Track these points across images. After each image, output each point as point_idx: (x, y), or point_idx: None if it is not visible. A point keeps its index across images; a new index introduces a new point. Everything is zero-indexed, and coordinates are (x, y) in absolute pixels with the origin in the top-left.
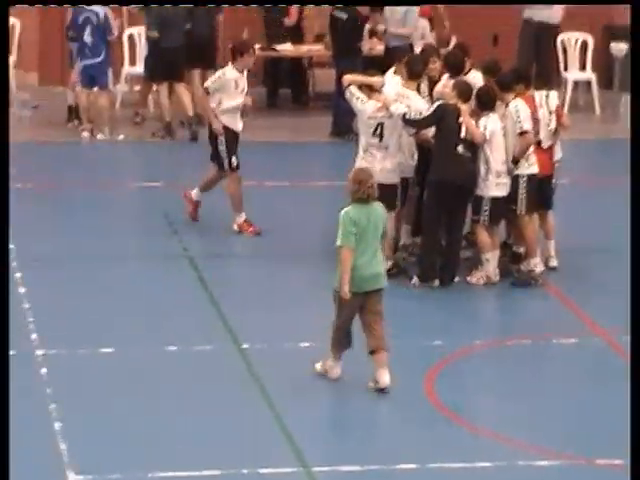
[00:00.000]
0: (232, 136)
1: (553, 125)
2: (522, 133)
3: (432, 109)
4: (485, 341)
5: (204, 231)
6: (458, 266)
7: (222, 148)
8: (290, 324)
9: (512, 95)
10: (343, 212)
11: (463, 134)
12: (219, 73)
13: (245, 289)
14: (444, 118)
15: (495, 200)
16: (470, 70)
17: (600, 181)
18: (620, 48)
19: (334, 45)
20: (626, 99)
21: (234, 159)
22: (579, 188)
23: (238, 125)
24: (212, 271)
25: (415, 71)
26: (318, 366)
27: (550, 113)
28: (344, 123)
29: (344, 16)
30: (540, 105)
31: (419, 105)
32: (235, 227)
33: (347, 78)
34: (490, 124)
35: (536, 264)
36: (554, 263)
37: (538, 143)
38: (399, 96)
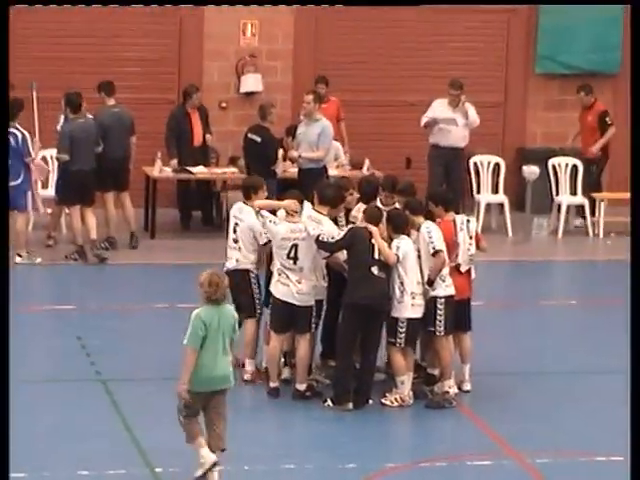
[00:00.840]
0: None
1: (473, 250)
2: (435, 253)
3: (343, 232)
4: (399, 464)
5: (117, 355)
6: (372, 388)
7: (257, 291)
8: None
9: (422, 218)
10: (194, 313)
11: (376, 255)
12: (259, 221)
13: (158, 413)
14: (355, 241)
15: (411, 321)
16: None
17: (511, 303)
18: (531, 171)
19: (248, 168)
20: (538, 221)
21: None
22: (491, 310)
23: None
24: (125, 394)
25: (326, 195)
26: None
27: (470, 238)
28: None
29: (258, 139)
30: (460, 229)
31: (330, 229)
32: (246, 377)
33: (257, 204)
34: (403, 245)
35: (450, 386)
36: (467, 387)
37: (457, 267)
38: (311, 220)
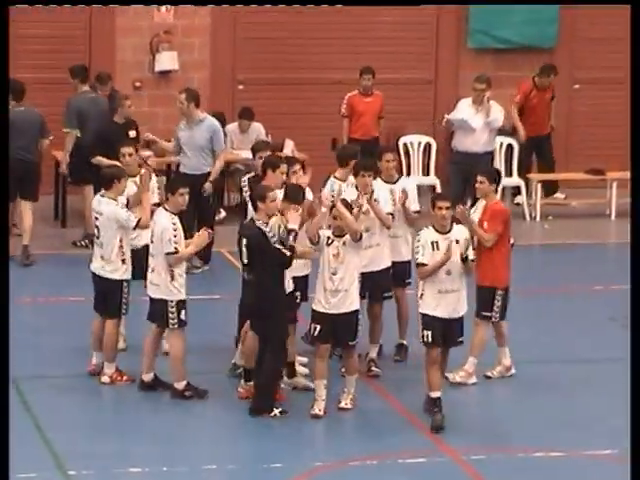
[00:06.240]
0: None
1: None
2: (416, 266)
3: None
4: (328, 462)
5: (27, 352)
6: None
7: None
8: (119, 449)
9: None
10: None
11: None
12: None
13: (71, 413)
14: None
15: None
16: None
17: None
18: None
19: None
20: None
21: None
22: None
23: None
24: (36, 394)
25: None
26: None
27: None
28: None
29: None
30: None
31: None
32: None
33: None
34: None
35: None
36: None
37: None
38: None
